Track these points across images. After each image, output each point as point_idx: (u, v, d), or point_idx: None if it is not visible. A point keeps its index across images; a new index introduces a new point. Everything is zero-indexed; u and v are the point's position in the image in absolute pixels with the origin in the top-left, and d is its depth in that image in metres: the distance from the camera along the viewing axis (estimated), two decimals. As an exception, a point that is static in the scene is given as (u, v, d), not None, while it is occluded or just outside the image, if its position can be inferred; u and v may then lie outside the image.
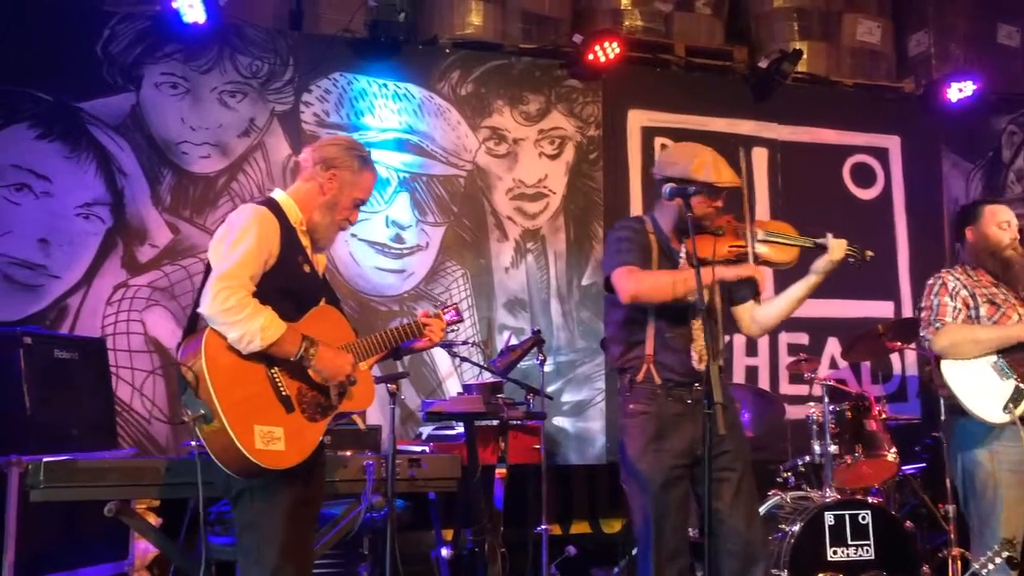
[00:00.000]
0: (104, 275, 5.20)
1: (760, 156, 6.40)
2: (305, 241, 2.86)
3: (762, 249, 3.14)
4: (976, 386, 3.43)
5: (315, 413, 2.74)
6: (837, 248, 3.15)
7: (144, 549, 4.47)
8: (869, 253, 3.24)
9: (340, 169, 2.87)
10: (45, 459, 3.20)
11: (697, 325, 3.11)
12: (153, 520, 4.02)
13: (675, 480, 3.08)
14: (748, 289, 3.29)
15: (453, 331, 3.34)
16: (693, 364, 3.11)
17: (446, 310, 3.29)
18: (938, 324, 3.55)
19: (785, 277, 3.32)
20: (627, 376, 3.19)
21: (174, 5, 5.14)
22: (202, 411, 2.54)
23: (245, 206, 2.81)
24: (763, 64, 6.37)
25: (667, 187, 3.10)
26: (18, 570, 3.73)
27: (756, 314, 3.33)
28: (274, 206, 2.81)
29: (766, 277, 3.11)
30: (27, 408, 3.98)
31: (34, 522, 3.78)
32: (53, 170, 5.15)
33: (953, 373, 3.48)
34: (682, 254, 3.19)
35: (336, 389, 2.77)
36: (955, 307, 3.55)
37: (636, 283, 3.05)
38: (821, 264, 3.17)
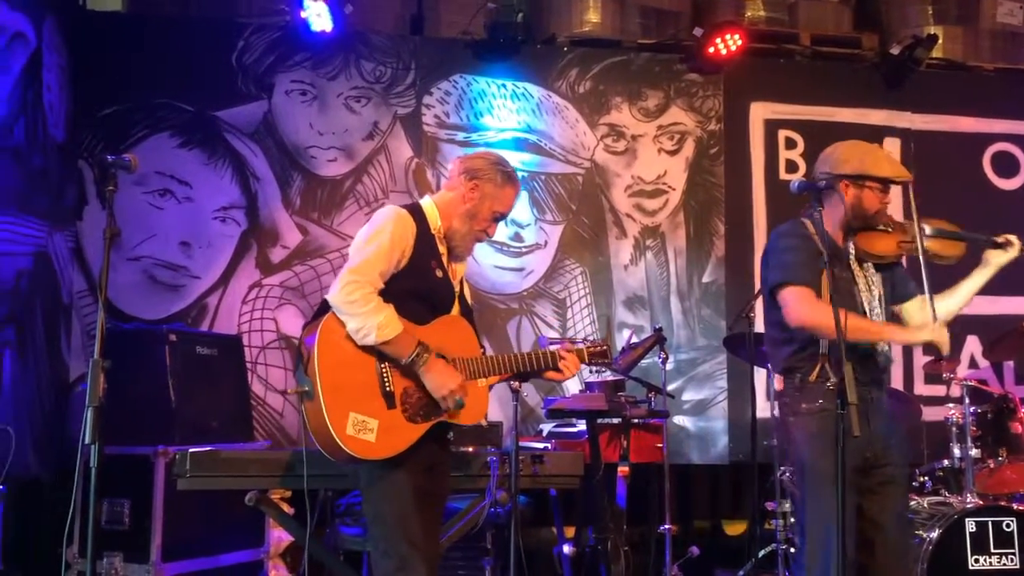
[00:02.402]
0: (240, 275, 5.46)
1: (892, 147, 6.13)
2: (442, 248, 2.91)
3: (931, 244, 3.09)
4: None
5: (416, 415, 2.76)
6: (1017, 244, 3.12)
7: (278, 538, 4.66)
8: None
9: (483, 181, 2.91)
10: (191, 450, 3.36)
11: (875, 319, 3.09)
12: (286, 510, 4.18)
13: (851, 482, 2.98)
14: (911, 284, 3.22)
15: (595, 371, 3.28)
16: (876, 359, 3.06)
17: (593, 348, 3.14)
18: None
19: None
20: (797, 376, 3.09)
21: (303, 15, 5.34)
22: (306, 387, 2.64)
23: (389, 206, 2.91)
24: (895, 51, 6.10)
25: (836, 181, 3.06)
26: (164, 554, 3.96)
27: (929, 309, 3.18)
28: (416, 210, 2.89)
29: (946, 341, 2.98)
30: (172, 401, 4.22)
31: (178, 509, 4.01)
32: (193, 176, 5.45)
33: None
34: (851, 252, 3.13)
35: (443, 403, 2.77)
36: None
37: (813, 315, 2.96)
38: (1004, 258, 3.13)
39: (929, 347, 2.98)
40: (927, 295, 3.03)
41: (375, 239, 2.75)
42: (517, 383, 3.44)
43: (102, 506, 3.94)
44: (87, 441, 2.33)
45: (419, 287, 2.82)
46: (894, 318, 3.24)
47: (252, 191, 5.53)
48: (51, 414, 4.89)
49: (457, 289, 2.99)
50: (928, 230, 3.12)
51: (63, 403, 5.06)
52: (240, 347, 4.96)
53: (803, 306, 2.97)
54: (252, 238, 5.50)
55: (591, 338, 3.22)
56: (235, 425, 4.60)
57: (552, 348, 3.05)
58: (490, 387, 3.01)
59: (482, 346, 3.02)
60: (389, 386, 2.71)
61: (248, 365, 5.09)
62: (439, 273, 2.88)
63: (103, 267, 2.44)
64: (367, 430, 2.64)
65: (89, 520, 2.35)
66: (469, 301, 3.07)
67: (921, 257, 3.04)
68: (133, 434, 3.94)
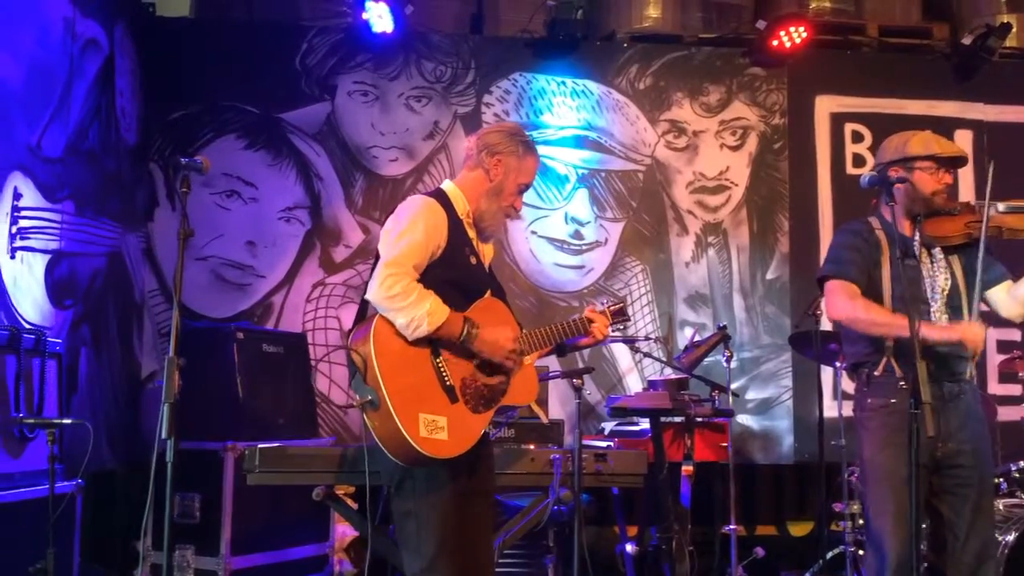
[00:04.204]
0: (304, 274, 5.55)
1: (964, 139, 5.97)
2: (471, 233, 2.86)
3: (1009, 220, 3.01)
4: None
5: (478, 404, 2.72)
6: None
7: (342, 532, 4.73)
8: None
9: (505, 155, 2.84)
10: (260, 445, 3.42)
11: (938, 307, 3.01)
12: (350, 505, 4.24)
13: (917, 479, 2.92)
14: (999, 269, 3.11)
15: (619, 329, 3.24)
16: (940, 351, 2.95)
17: (612, 307, 3.12)
18: None
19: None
20: (864, 372, 3.06)
21: (364, 17, 5.41)
22: (369, 397, 2.56)
23: (414, 197, 2.82)
24: (966, 41, 5.93)
25: (882, 172, 2.98)
26: (233, 547, 4.05)
27: (1017, 292, 3.08)
28: (442, 197, 2.82)
29: (980, 341, 2.91)
30: (240, 398, 4.30)
31: (246, 504, 4.09)
32: (258, 177, 5.56)
33: None
34: (916, 240, 3.06)
35: (506, 363, 2.74)
36: None
37: (845, 309, 2.99)
38: None
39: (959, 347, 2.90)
40: (977, 281, 2.96)
41: (408, 233, 2.67)
42: (579, 380, 3.45)
43: (175, 500, 4.03)
44: (163, 436, 2.37)
45: (454, 276, 2.75)
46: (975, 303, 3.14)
47: (315, 191, 5.62)
48: (124, 410, 5.03)
49: (488, 272, 2.93)
50: (1001, 207, 3.03)
51: (135, 399, 5.21)
52: (305, 345, 5.03)
53: (837, 299, 3.01)
54: (316, 238, 5.59)
55: (607, 303, 3.14)
56: (300, 421, 4.67)
57: (575, 317, 3.02)
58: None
59: (519, 324, 2.96)
60: (448, 380, 2.67)
61: (312, 362, 5.16)
62: (473, 260, 2.82)
63: (177, 267, 2.48)
64: (438, 429, 2.59)
65: (165, 514, 2.41)
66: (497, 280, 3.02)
67: (983, 233, 2.96)
68: (202, 430, 4.01)
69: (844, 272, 3.03)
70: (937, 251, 3.09)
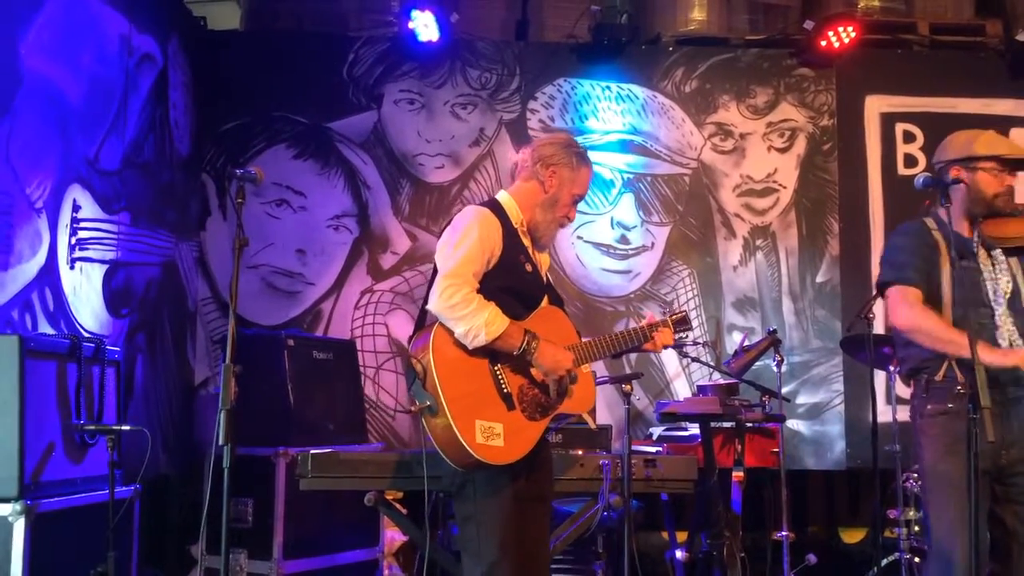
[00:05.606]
0: (352, 282, 5.61)
1: (1020, 138, 5.84)
2: (526, 241, 2.90)
3: None
4: None
5: (535, 412, 2.76)
6: None
7: (391, 537, 4.76)
8: None
9: (559, 166, 2.89)
10: (312, 451, 3.46)
11: (1002, 312, 2.95)
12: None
13: (981, 487, 2.84)
14: None
15: (682, 337, 3.23)
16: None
17: (674, 316, 3.12)
18: None
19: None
20: (923, 377, 3.01)
21: (410, 26, 5.46)
22: (428, 403, 2.62)
23: (468, 207, 2.88)
24: (1021, 37, 5.80)
25: (942, 171, 2.98)
26: (285, 551, 4.10)
27: None
28: (496, 207, 2.87)
29: None
30: (291, 404, 4.36)
31: (297, 509, 4.14)
32: (307, 186, 5.64)
33: None
34: (975, 241, 3.01)
35: (555, 385, 2.77)
36: None
37: (909, 318, 2.93)
38: None
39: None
40: None
41: (464, 241, 2.73)
42: (628, 386, 3.43)
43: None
44: (220, 443, 2.42)
45: (511, 284, 2.79)
46: None
47: (363, 199, 5.68)
48: (178, 416, 5.13)
49: (544, 280, 2.96)
50: None
51: (189, 405, 5.31)
52: (354, 351, 5.08)
53: (900, 307, 2.96)
54: (364, 245, 5.65)
55: (670, 311, 3.13)
56: (350, 427, 4.72)
57: (635, 325, 3.02)
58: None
59: (578, 332, 2.98)
60: (505, 387, 2.71)
61: (361, 369, 5.22)
62: (528, 267, 2.86)
63: (233, 276, 2.53)
64: (495, 435, 2.64)
65: (223, 519, 2.45)
66: (555, 288, 3.05)
67: None
68: (254, 436, 4.06)
69: (905, 277, 2.97)
70: (998, 253, 3.03)
